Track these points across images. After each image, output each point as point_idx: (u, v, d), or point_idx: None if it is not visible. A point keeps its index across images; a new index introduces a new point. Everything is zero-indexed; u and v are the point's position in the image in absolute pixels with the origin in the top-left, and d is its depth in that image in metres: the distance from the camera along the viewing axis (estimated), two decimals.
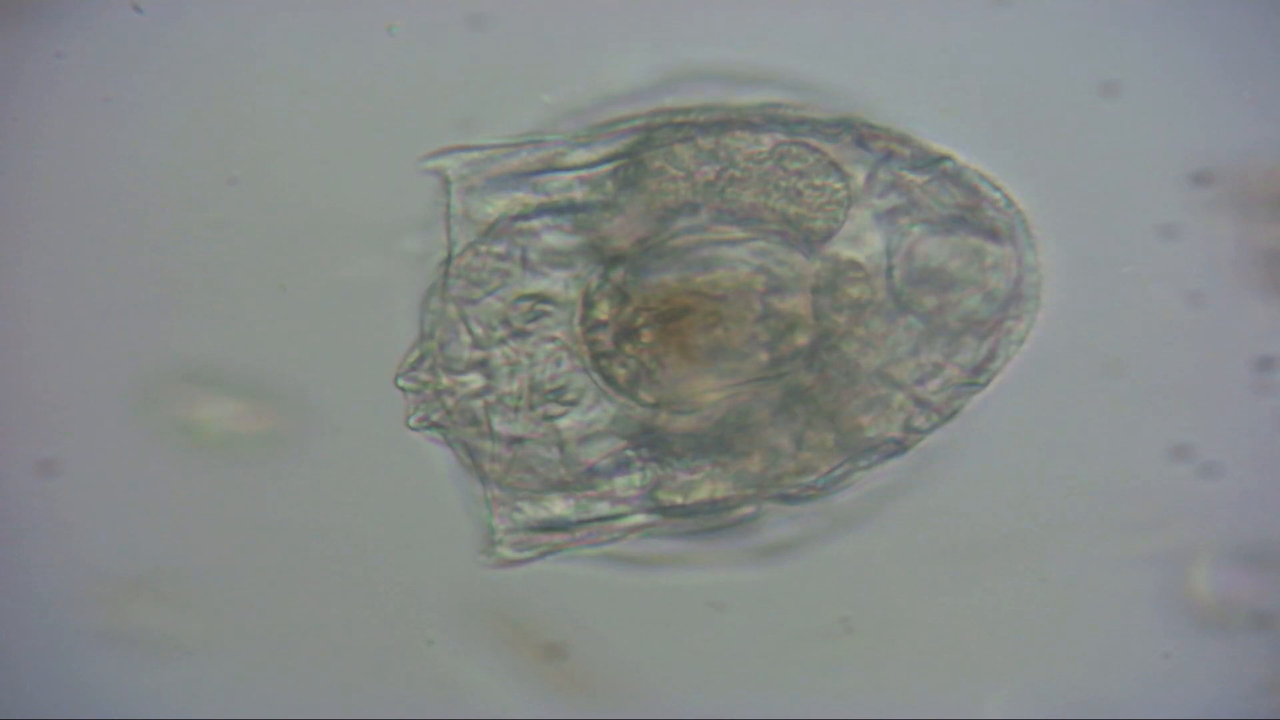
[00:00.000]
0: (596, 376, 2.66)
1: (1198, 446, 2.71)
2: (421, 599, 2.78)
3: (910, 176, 2.63)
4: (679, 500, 2.65)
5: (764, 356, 2.60)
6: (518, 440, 2.67)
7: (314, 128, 2.74)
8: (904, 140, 2.65)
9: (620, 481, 2.68)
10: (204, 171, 2.74)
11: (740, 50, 2.70)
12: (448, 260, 2.67)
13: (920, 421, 2.66)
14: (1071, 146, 2.70)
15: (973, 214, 2.64)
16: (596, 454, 2.67)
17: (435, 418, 2.67)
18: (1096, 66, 2.69)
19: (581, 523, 2.70)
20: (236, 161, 2.74)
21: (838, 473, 2.67)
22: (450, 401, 2.66)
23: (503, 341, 2.66)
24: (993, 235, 2.64)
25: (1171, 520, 2.74)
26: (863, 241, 2.62)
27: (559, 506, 2.69)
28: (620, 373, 2.63)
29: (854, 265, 2.62)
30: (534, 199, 2.66)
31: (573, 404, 2.66)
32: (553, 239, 2.65)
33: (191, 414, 2.78)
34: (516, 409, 2.66)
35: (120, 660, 2.79)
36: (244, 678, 2.78)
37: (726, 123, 2.65)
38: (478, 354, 2.66)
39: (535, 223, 2.66)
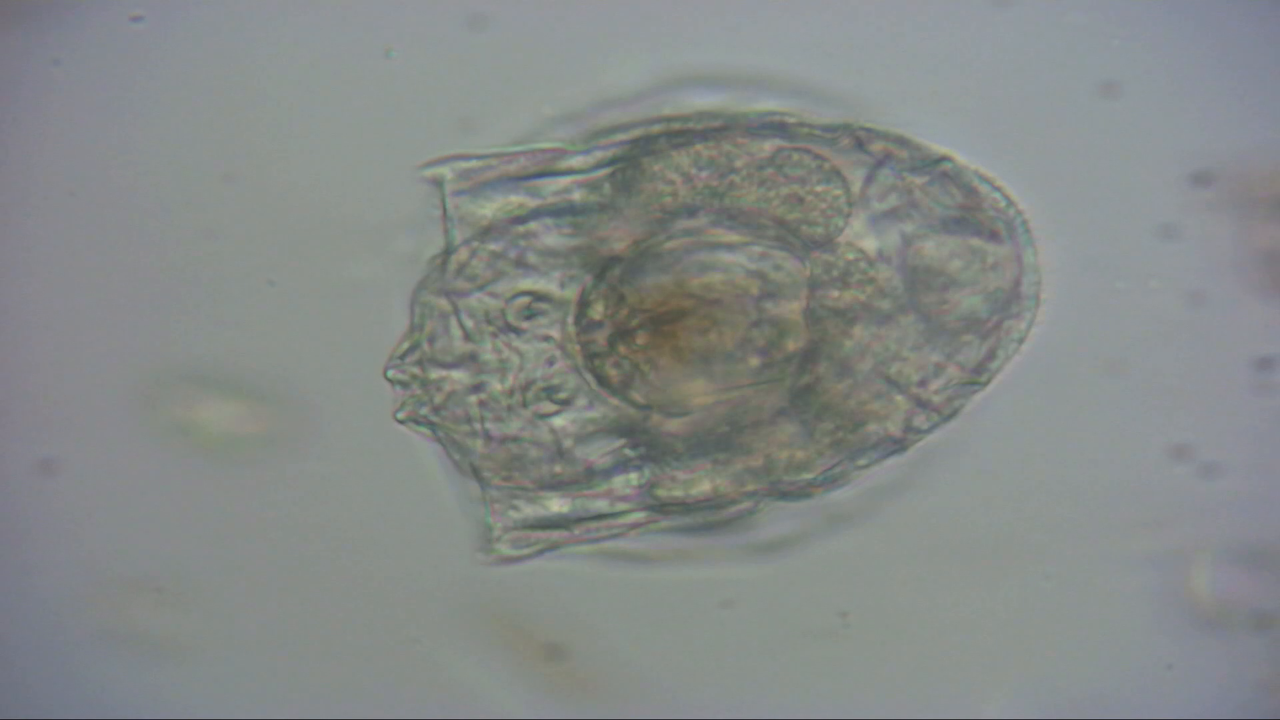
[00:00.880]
0: (589, 377, 2.65)
1: (1198, 446, 2.71)
2: (422, 599, 2.78)
3: (910, 178, 2.63)
4: (679, 495, 2.65)
5: (755, 361, 2.60)
6: (511, 439, 2.67)
7: (314, 128, 2.74)
8: (903, 141, 2.64)
9: (619, 480, 2.68)
10: (204, 174, 2.74)
11: (740, 53, 2.70)
12: (443, 255, 2.67)
13: (920, 421, 2.66)
14: (1071, 147, 2.70)
15: (973, 214, 2.63)
16: (596, 453, 2.67)
17: (424, 412, 2.66)
18: (1096, 66, 2.68)
19: (580, 520, 2.70)
20: (235, 162, 2.74)
21: (836, 471, 2.67)
22: (439, 396, 2.65)
23: (494, 335, 2.65)
24: (993, 236, 2.64)
25: (1171, 520, 2.74)
26: (862, 244, 2.62)
27: (556, 504, 2.69)
28: (613, 373, 2.63)
29: (853, 267, 2.61)
30: (531, 202, 2.66)
31: (566, 403, 2.66)
32: (552, 240, 2.65)
33: (191, 415, 2.78)
34: (509, 406, 2.66)
35: (120, 660, 2.79)
36: (243, 678, 2.78)
37: (726, 128, 2.65)
38: (468, 347, 2.66)
39: (534, 224, 2.65)
